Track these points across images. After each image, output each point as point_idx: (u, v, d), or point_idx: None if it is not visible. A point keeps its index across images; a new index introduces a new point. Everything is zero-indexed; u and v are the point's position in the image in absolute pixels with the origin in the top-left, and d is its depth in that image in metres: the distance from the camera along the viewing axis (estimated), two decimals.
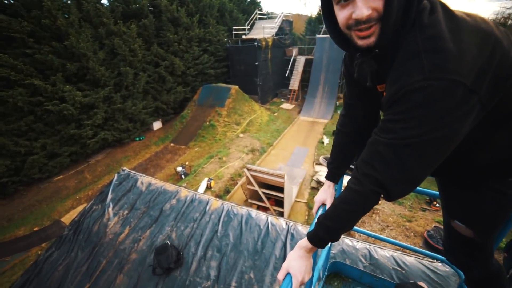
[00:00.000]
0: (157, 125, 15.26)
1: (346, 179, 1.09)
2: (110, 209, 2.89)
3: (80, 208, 9.03)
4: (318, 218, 0.83)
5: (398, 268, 2.08)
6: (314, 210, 1.17)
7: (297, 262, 0.82)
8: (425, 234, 5.92)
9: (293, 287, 0.78)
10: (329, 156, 1.49)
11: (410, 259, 2.12)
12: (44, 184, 10.48)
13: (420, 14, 0.59)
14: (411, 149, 0.61)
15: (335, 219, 0.79)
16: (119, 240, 2.51)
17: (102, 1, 12.38)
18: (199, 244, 2.44)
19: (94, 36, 11.42)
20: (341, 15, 0.65)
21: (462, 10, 0.61)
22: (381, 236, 2.07)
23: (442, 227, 6.05)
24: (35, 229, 8.40)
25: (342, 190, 0.89)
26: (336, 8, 0.66)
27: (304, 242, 0.84)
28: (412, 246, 1.59)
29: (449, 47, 0.53)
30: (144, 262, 2.28)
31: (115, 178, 3.44)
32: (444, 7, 0.59)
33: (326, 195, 1.16)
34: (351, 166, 1.26)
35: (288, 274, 0.81)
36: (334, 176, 1.19)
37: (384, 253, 2.16)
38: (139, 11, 13.39)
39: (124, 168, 3.69)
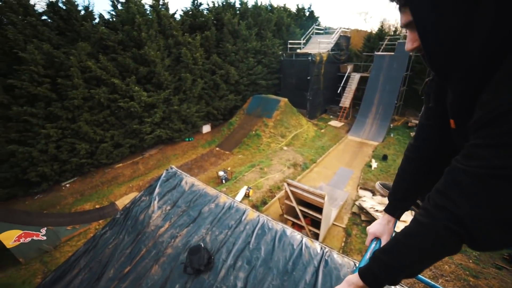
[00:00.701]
0: (206, 128, 16.26)
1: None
2: (156, 202, 3.14)
3: (131, 195, 10.10)
4: (374, 253, 0.71)
5: None
6: (367, 243, 1.01)
7: None
8: None
9: None
10: (387, 183, 1.32)
11: None
12: (108, 169, 12.12)
13: None
14: (505, 182, 0.48)
15: (393, 255, 0.66)
16: (159, 233, 2.69)
17: (175, 15, 14.02)
18: (231, 252, 2.45)
19: (164, 46, 13.00)
20: None
21: None
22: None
23: None
24: (97, 206, 9.80)
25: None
26: None
27: (354, 278, 0.72)
28: None
29: None
30: (177, 259, 2.39)
31: (164, 174, 3.74)
32: None
33: (383, 230, 0.99)
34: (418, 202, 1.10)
35: None
36: (395, 209, 1.01)
37: None
38: (204, 24, 14.77)
39: (173, 166, 3.99)
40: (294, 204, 6.88)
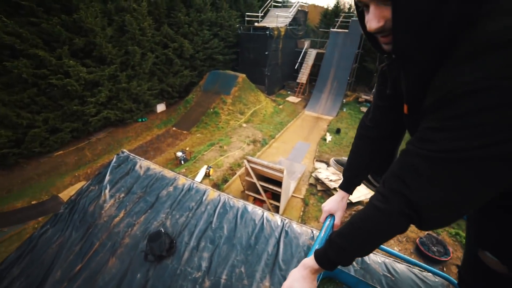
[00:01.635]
0: (160, 107, 15.20)
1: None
2: (107, 191, 2.89)
3: (78, 186, 9.15)
4: (329, 236, 0.72)
5: (388, 275, 2.07)
6: (321, 219, 1.04)
7: (300, 284, 0.72)
8: (417, 241, 5.94)
9: None
10: (341, 158, 1.37)
11: (401, 267, 2.11)
12: (44, 159, 10.55)
13: (482, 11, 0.47)
14: (457, 165, 0.48)
15: (349, 239, 0.68)
16: (114, 223, 2.52)
17: None
18: (193, 234, 2.44)
19: (103, 12, 11.20)
20: (366, 20, 0.60)
21: None
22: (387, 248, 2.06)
23: (434, 235, 6.07)
24: (33, 202, 8.52)
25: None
26: (365, 12, 0.61)
27: (310, 261, 0.73)
28: (404, 256, 1.56)
29: None
30: (136, 247, 2.29)
31: (114, 159, 3.43)
32: None
33: (337, 206, 1.03)
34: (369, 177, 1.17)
35: None
36: (349, 186, 1.05)
37: (376, 259, 2.15)
38: None
39: (124, 150, 3.67)
40: (255, 180, 7.09)
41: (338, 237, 0.70)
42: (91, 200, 2.81)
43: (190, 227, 2.50)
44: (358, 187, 1.10)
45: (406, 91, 0.72)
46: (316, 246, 0.75)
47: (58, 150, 11.06)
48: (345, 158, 1.14)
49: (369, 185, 1.20)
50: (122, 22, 11.75)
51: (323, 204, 1.07)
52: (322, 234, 0.90)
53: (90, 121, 11.39)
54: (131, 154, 3.58)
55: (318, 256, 0.72)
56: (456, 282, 1.38)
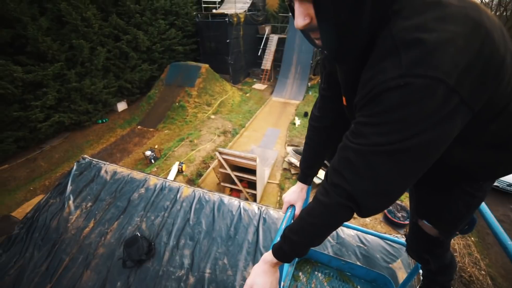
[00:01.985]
0: (121, 106, 14.19)
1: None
2: (71, 202, 2.68)
3: (36, 200, 8.25)
4: (284, 231, 0.77)
5: (361, 245, 2.28)
6: (283, 211, 1.09)
7: (262, 278, 0.76)
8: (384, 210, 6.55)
9: None
10: (298, 148, 1.44)
11: (371, 237, 2.33)
12: None
13: (394, 9, 0.51)
14: (383, 158, 0.53)
15: (300, 233, 0.71)
16: (84, 235, 2.37)
17: None
18: (171, 233, 2.40)
19: None
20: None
21: None
22: (348, 224, 2.24)
23: (399, 202, 6.72)
24: None
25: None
26: None
27: (269, 256, 0.77)
28: (374, 232, 1.73)
29: (430, 38, 0.44)
30: (113, 256, 2.19)
31: (75, 167, 3.17)
32: None
33: (297, 197, 1.08)
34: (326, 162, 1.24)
35: None
36: (306, 177, 1.10)
37: (349, 232, 2.34)
38: None
39: (85, 156, 3.41)
40: (229, 171, 7.09)
41: (290, 232, 0.73)
42: (52, 214, 2.59)
43: (168, 227, 2.46)
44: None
45: (342, 84, 0.77)
46: (278, 239, 0.79)
47: (1, 164, 9.79)
48: (302, 147, 1.19)
49: (326, 169, 1.28)
50: (58, 11, 10.27)
51: (284, 195, 1.12)
52: (283, 226, 0.95)
53: (39, 127, 10.20)
54: (94, 160, 3.34)
55: (275, 251, 0.76)
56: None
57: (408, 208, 6.54)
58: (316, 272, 1.68)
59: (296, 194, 1.08)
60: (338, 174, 0.61)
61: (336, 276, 1.66)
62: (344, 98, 0.79)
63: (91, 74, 11.88)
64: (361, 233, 2.29)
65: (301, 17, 0.56)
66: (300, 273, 1.66)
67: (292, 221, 0.78)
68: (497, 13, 15.01)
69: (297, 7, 0.56)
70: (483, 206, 1.12)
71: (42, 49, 9.86)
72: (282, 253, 0.75)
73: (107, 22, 12.30)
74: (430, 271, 1.16)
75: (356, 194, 0.58)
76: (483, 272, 5.59)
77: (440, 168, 0.69)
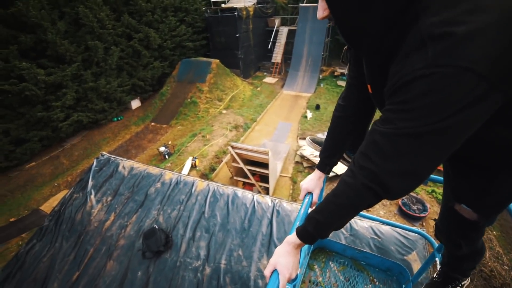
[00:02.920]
0: (135, 103, 14.56)
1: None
2: (92, 196, 2.82)
3: (60, 195, 8.77)
4: (309, 213, 0.79)
5: (375, 237, 2.26)
6: (301, 197, 1.11)
7: (285, 259, 0.79)
8: (399, 202, 6.40)
9: (281, 284, 0.75)
10: (316, 137, 1.44)
11: (385, 228, 2.30)
12: (14, 173, 9.91)
13: (423, 5, 0.53)
14: (409, 140, 0.56)
15: (325, 214, 0.74)
16: (105, 227, 2.50)
17: None
18: (187, 225, 2.48)
19: (50, 3, 10.08)
20: None
21: None
22: (364, 213, 2.22)
23: (414, 194, 6.56)
24: (12, 219, 8.06)
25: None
26: None
27: (292, 238, 0.81)
28: (388, 221, 1.70)
29: (458, 30, 0.45)
30: (133, 247, 2.30)
31: (94, 163, 3.32)
32: None
33: (315, 185, 1.09)
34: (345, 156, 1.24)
35: (275, 270, 0.78)
36: (325, 166, 1.11)
37: (363, 224, 2.32)
38: None
39: (103, 152, 3.55)
40: (242, 165, 7.16)
41: (316, 213, 0.76)
42: (77, 208, 2.74)
43: (184, 220, 2.54)
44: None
45: (366, 73, 0.79)
46: (297, 223, 0.82)
47: (29, 162, 10.41)
48: (320, 136, 1.18)
49: (344, 162, 1.28)
50: (75, 15, 10.70)
51: (302, 183, 1.13)
52: (302, 212, 0.98)
53: (60, 126, 10.71)
54: (112, 156, 3.48)
55: (299, 232, 0.79)
56: (426, 234, 1.54)
57: (424, 201, 6.38)
58: (330, 262, 1.69)
59: (314, 182, 1.10)
60: (365, 156, 0.64)
61: (350, 265, 1.66)
62: (369, 86, 0.81)
63: (106, 73, 12.25)
64: (375, 224, 2.27)
65: (321, 10, 0.63)
66: (315, 263, 1.68)
67: (310, 209, 0.80)
68: None
69: (319, 1, 0.63)
70: None
71: (61, 52, 10.29)
72: (307, 234, 0.78)
73: (119, 22, 12.58)
74: (456, 257, 1.13)
75: (381, 175, 0.61)
76: (506, 267, 5.36)
77: (484, 150, 0.71)
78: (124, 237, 2.39)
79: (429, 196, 6.84)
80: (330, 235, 0.82)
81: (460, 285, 1.18)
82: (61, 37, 10.19)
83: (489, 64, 0.46)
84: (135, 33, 13.27)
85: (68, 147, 11.42)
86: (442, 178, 1.24)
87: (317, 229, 0.76)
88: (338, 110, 1.05)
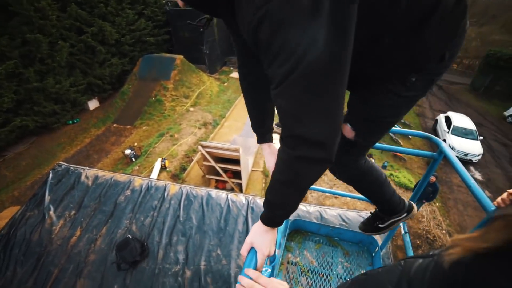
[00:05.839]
0: (93, 104, 13.41)
1: None
2: (51, 212, 2.60)
3: (6, 213, 7.71)
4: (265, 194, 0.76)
5: (343, 223, 2.46)
6: (269, 168, 1.07)
7: (261, 236, 0.76)
8: None
9: (259, 261, 0.74)
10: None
11: (352, 214, 2.51)
12: None
13: None
14: (296, 87, 0.51)
15: (273, 193, 0.70)
16: (71, 244, 2.33)
17: None
18: (163, 231, 2.44)
19: None
20: None
21: None
22: (336, 191, 2.43)
23: None
24: None
25: None
26: None
27: (258, 224, 0.79)
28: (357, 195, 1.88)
29: None
30: (105, 261, 2.20)
31: (51, 176, 3.04)
32: None
33: (274, 157, 1.05)
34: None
35: (252, 248, 0.76)
36: (264, 137, 1.09)
37: (332, 213, 2.51)
38: None
39: (61, 162, 3.27)
40: (213, 163, 7.11)
41: (266, 192, 0.74)
42: (32, 227, 2.51)
43: (158, 226, 2.48)
44: None
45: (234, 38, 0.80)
46: None
47: None
48: None
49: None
50: (3, 1, 9.05)
51: (267, 165, 1.12)
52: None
53: None
54: (71, 166, 3.23)
55: (262, 217, 0.77)
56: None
57: None
58: (306, 241, 1.82)
59: (272, 155, 1.08)
60: (282, 125, 0.61)
61: (325, 243, 1.83)
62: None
63: (54, 71, 10.98)
64: (342, 211, 2.47)
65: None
66: (292, 243, 1.80)
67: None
68: None
69: None
70: (447, 150, 1.27)
71: None
72: (265, 216, 0.75)
73: (65, 13, 11.28)
74: (346, 178, 1.15)
75: (301, 133, 0.56)
76: (443, 231, 6.41)
77: (360, 69, 0.68)
78: (94, 252, 2.26)
79: (388, 179, 7.56)
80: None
81: (387, 223, 1.27)
82: None
83: None
84: (87, 27, 12.07)
85: (11, 157, 10.02)
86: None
87: (271, 210, 0.73)
88: (241, 77, 1.01)
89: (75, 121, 12.32)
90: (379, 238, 2.17)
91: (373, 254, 1.75)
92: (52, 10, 10.51)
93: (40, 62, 10.47)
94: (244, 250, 0.76)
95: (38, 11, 9.97)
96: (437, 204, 7.37)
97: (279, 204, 0.71)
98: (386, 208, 1.24)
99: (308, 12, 0.45)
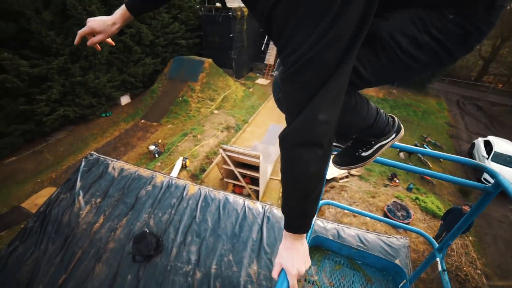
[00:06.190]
0: (125, 100, 14.25)
1: None
2: (81, 197, 2.78)
3: (44, 192, 8.44)
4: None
5: (361, 244, 2.35)
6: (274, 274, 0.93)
7: (288, 252, 0.71)
8: (385, 209, 6.60)
9: (290, 283, 0.68)
10: None
11: (371, 236, 2.40)
12: None
13: None
14: (287, 80, 0.54)
15: (282, 193, 0.70)
16: (94, 230, 2.47)
17: None
18: (178, 230, 2.49)
19: None
20: None
21: None
22: (355, 209, 2.29)
23: (399, 201, 6.77)
24: None
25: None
26: None
27: (285, 232, 0.74)
28: (382, 218, 1.75)
29: None
30: (122, 251, 2.29)
31: (83, 164, 3.26)
32: None
33: (103, 27, 1.00)
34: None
35: (282, 270, 0.71)
36: (135, 7, 1.01)
37: (350, 232, 2.41)
38: None
39: (93, 152, 3.49)
40: (232, 167, 7.18)
41: (282, 198, 0.72)
42: (64, 209, 2.69)
43: (175, 224, 2.55)
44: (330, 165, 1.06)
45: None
46: None
47: (9, 156, 9.97)
48: None
49: (337, 147, 1.23)
50: (62, 5, 10.24)
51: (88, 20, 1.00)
52: None
53: (44, 121, 10.33)
54: (101, 156, 3.43)
55: (285, 224, 0.73)
56: (427, 235, 1.58)
57: (408, 207, 6.56)
58: (326, 260, 1.72)
59: (103, 23, 1.01)
60: (288, 115, 0.62)
61: (346, 264, 1.70)
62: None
63: (94, 68, 11.92)
64: (361, 232, 2.37)
65: None
66: (311, 260, 1.73)
67: None
68: None
69: None
70: (508, 185, 0.99)
71: (46, 43, 9.90)
72: (287, 224, 0.71)
73: (110, 15, 12.20)
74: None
75: (299, 125, 0.56)
76: (478, 271, 5.64)
77: None
78: (113, 240, 2.38)
79: (413, 203, 7.10)
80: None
81: (373, 149, 1.05)
82: (46, 28, 9.78)
83: None
84: (127, 28, 12.97)
85: (53, 142, 11.02)
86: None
87: (291, 214, 0.70)
88: None
89: (107, 114, 13.17)
90: (405, 267, 2.01)
91: (400, 286, 1.55)
92: (100, 13, 11.50)
93: (85, 59, 11.45)
94: (275, 273, 0.71)
95: (88, 14, 10.99)
96: (470, 238, 6.61)
97: (287, 200, 0.69)
98: (372, 132, 1.00)
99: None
